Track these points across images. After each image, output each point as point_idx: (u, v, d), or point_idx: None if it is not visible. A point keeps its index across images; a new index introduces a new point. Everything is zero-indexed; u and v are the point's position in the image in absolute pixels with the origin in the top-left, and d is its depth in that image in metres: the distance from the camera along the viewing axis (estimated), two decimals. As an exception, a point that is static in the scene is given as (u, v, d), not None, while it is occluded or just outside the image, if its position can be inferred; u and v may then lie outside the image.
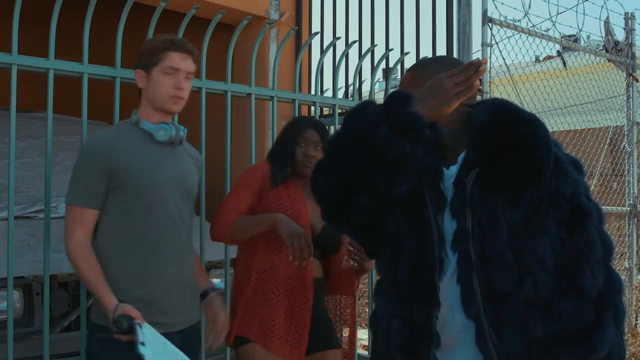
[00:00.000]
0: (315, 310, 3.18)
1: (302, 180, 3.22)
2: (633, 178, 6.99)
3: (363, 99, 5.19)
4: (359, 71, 4.82)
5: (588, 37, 8.11)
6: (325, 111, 5.25)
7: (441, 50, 4.99)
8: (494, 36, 5.09)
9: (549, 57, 7.53)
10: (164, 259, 2.79)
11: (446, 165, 1.97)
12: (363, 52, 5.01)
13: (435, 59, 2.36)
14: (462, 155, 1.93)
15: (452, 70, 1.84)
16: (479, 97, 2.09)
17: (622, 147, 7.15)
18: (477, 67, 1.81)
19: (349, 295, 3.42)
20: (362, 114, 1.87)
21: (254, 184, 3.21)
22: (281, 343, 3.08)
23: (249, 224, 3.14)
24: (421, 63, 2.22)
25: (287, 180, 3.24)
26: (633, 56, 6.96)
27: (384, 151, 1.78)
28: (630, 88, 7.01)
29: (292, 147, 3.25)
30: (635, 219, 6.96)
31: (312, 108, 4.71)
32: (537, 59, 7.16)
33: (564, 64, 6.40)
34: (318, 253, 3.19)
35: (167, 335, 2.72)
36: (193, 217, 3.00)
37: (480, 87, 4.82)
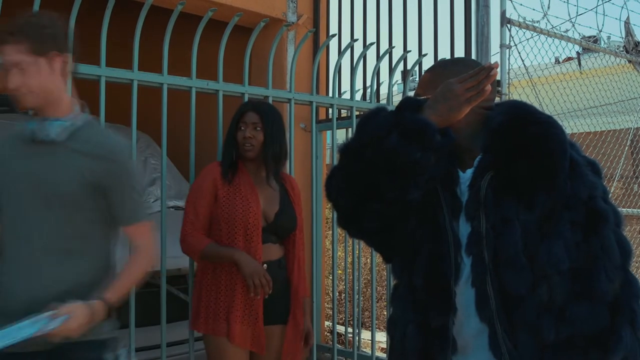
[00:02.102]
0: (272, 289, 3.33)
1: (254, 165, 3.46)
2: (654, 180, 6.92)
3: (381, 101, 5.19)
4: (376, 72, 4.81)
5: (608, 38, 8.04)
6: (343, 114, 5.24)
7: (459, 52, 4.97)
8: (512, 37, 5.05)
9: (569, 59, 7.47)
10: (6, 271, 2.46)
11: (463, 168, 1.95)
12: (381, 53, 5.00)
13: (455, 61, 2.34)
14: (478, 157, 1.92)
15: (462, 75, 1.83)
16: (497, 99, 2.07)
17: (643, 149, 7.08)
18: (488, 72, 1.79)
19: (297, 275, 3.55)
20: (373, 121, 1.86)
21: (204, 190, 3.40)
22: (241, 324, 3.30)
23: (216, 255, 3.36)
24: (441, 64, 2.20)
25: (240, 171, 3.44)
26: (654, 57, 6.89)
27: (394, 158, 1.77)
28: (651, 89, 6.94)
29: (234, 133, 3.44)
30: (657, 222, 6.89)
31: (330, 110, 4.70)
32: (556, 61, 7.09)
33: (579, 64, 6.34)
34: (275, 237, 3.45)
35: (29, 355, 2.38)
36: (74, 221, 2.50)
37: (499, 88, 4.79)
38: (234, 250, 3.29)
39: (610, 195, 1.96)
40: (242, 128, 3.42)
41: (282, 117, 3.55)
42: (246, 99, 3.93)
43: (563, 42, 5.77)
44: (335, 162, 1.96)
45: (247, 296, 3.30)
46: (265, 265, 3.35)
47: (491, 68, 1.80)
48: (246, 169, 3.46)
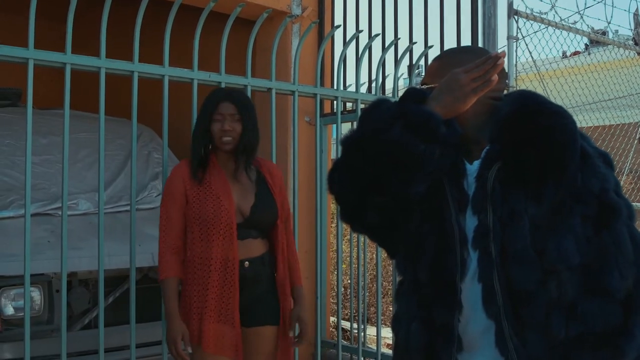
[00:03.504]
0: (255, 287, 3.28)
1: (226, 157, 3.29)
2: (664, 174, 6.86)
3: (387, 94, 5.14)
4: (382, 64, 4.76)
5: (616, 31, 7.97)
6: (349, 107, 5.19)
7: (466, 44, 4.90)
8: (519, 29, 4.99)
9: (576, 53, 7.43)
10: None
11: (470, 160, 1.90)
12: (386, 45, 4.94)
13: (463, 49, 2.28)
14: (486, 149, 1.86)
15: (468, 65, 1.77)
16: (505, 91, 2.01)
17: (652, 142, 7.02)
18: (494, 61, 1.74)
19: (285, 274, 3.41)
20: (375, 112, 1.82)
21: (175, 192, 3.26)
22: (215, 322, 3.15)
23: (163, 293, 3.22)
24: (449, 52, 2.14)
25: (211, 166, 3.28)
26: (663, 50, 6.82)
27: (397, 151, 1.73)
28: (661, 82, 6.87)
29: (207, 124, 3.26)
30: (667, 217, 6.82)
31: (335, 103, 4.66)
32: (564, 55, 7.04)
33: (588, 52, 6.28)
34: (255, 232, 3.28)
35: None
36: None
37: (507, 81, 4.74)
38: (170, 308, 3.16)
39: (622, 189, 1.90)
40: (219, 119, 3.23)
41: (254, 105, 3.41)
42: (249, 92, 3.88)
43: (571, 36, 5.70)
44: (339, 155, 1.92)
45: (221, 298, 3.17)
46: (247, 263, 3.23)
47: (498, 57, 1.75)
48: (218, 163, 3.31)
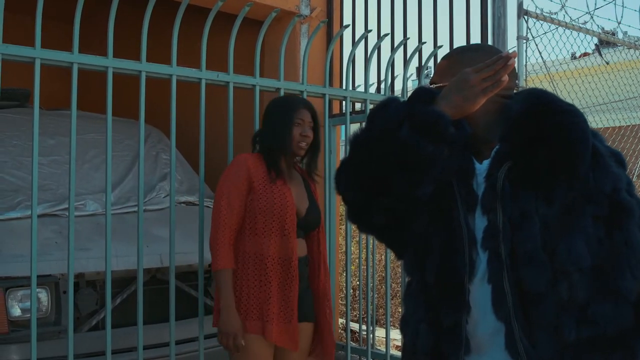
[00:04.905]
0: (300, 285, 3.36)
1: (285, 159, 3.42)
2: (675, 176, 6.81)
3: (395, 94, 5.11)
4: (391, 64, 4.73)
5: (625, 33, 7.93)
6: (358, 108, 5.17)
7: (475, 44, 4.89)
8: (529, 30, 4.96)
9: (585, 54, 7.40)
10: None
11: (480, 159, 1.87)
12: (395, 45, 4.92)
13: (473, 47, 2.25)
14: (496, 148, 1.83)
15: (478, 65, 1.75)
16: (515, 90, 1.98)
17: (663, 144, 6.98)
18: (505, 61, 1.72)
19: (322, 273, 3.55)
20: (384, 113, 1.80)
21: (242, 183, 3.31)
22: (276, 321, 3.23)
23: (219, 284, 3.25)
24: (458, 50, 2.11)
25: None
26: (674, 50, 6.77)
27: (405, 152, 1.71)
28: (672, 83, 6.83)
29: (290, 127, 3.37)
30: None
31: (343, 103, 4.63)
32: (573, 56, 7.00)
33: (600, 54, 6.24)
34: (302, 232, 3.43)
35: None
36: None
37: (517, 81, 4.71)
38: (228, 300, 3.21)
39: (635, 188, 1.87)
40: (300, 124, 3.38)
41: None
42: (257, 91, 3.87)
43: (580, 37, 5.67)
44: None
45: (282, 293, 3.26)
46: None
47: (509, 57, 1.73)
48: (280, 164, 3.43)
